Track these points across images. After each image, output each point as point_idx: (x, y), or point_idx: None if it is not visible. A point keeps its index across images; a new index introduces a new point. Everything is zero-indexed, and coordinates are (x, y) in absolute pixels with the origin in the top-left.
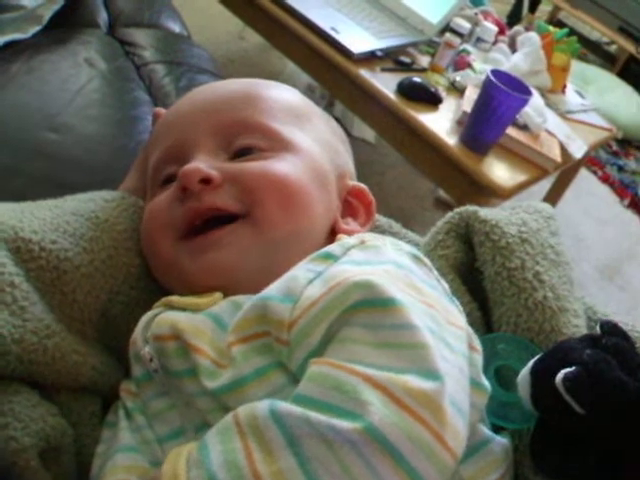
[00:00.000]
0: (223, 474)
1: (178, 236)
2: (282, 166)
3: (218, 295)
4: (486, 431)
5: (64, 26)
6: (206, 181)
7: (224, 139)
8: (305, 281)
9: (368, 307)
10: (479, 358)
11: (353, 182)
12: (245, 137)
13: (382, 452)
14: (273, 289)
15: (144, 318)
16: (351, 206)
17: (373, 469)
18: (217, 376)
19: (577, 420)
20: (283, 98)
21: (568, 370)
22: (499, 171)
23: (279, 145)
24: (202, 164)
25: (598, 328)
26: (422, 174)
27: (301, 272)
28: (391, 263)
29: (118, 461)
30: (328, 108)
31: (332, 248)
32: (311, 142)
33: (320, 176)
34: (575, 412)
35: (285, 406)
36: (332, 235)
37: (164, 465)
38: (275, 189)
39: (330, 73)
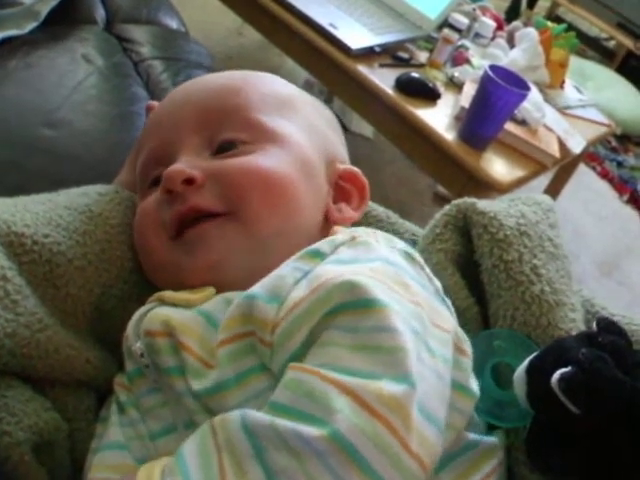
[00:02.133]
0: None
1: (170, 237)
2: (265, 161)
3: (210, 290)
4: (471, 435)
5: (61, 22)
6: (189, 181)
7: (207, 135)
8: (292, 281)
9: (349, 309)
10: (468, 362)
11: (344, 166)
12: (227, 131)
13: (349, 462)
14: (260, 287)
15: (137, 313)
16: (343, 190)
17: None
18: (203, 377)
19: (573, 420)
20: (265, 87)
21: (564, 370)
22: (497, 166)
23: (262, 137)
24: (185, 164)
25: (594, 325)
26: (420, 169)
27: (288, 271)
28: (380, 260)
29: (104, 459)
30: (327, 104)
31: (321, 245)
32: (296, 130)
33: (307, 166)
34: (571, 412)
35: (254, 415)
36: (326, 223)
37: (138, 473)
38: (259, 186)
39: (328, 69)
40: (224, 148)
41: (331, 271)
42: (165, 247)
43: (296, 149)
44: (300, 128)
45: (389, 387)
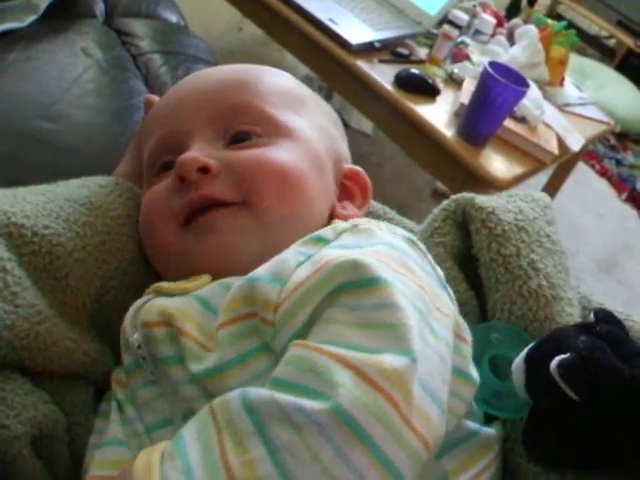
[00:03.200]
0: (199, 468)
1: (179, 224)
2: (279, 154)
3: (206, 278)
4: (471, 424)
5: (61, 16)
6: (204, 170)
7: (220, 126)
8: (295, 264)
9: (352, 288)
10: (468, 349)
11: (348, 165)
12: (241, 123)
13: (351, 435)
14: (262, 270)
15: (134, 306)
16: (347, 189)
17: (343, 455)
18: (202, 359)
19: (572, 408)
20: (278, 83)
21: (563, 357)
22: (496, 163)
23: (275, 131)
24: (199, 153)
25: (592, 316)
26: (419, 166)
27: (292, 255)
28: (383, 244)
29: (104, 455)
30: (326, 100)
31: (324, 232)
32: (307, 127)
33: (317, 162)
34: (570, 399)
35: (255, 391)
36: (331, 220)
37: (137, 458)
38: (272, 178)
39: (328, 65)
40: (238, 139)
41: (334, 253)
42: (174, 235)
43: (308, 144)
44: (310, 124)
45: (390, 360)
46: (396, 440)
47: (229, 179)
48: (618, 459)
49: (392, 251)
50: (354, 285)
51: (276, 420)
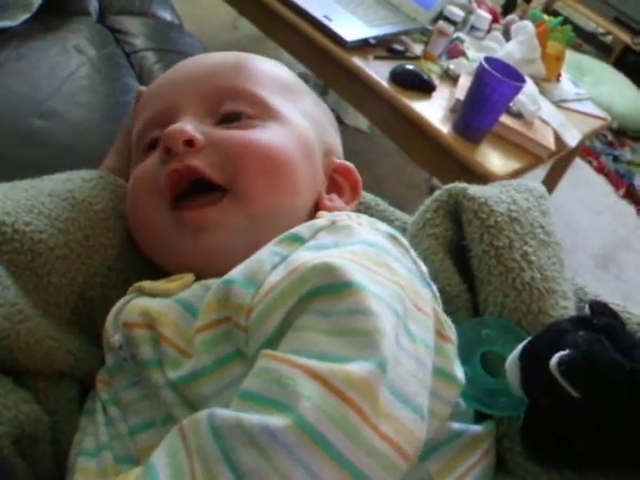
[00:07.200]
0: None
1: (167, 205)
2: (267, 136)
3: (189, 278)
4: (456, 425)
5: (53, 14)
6: (190, 143)
7: (211, 104)
8: (270, 266)
9: (325, 294)
10: (451, 348)
11: (340, 160)
12: (232, 103)
13: (318, 451)
14: (237, 272)
15: (116, 305)
16: (337, 183)
17: (314, 474)
18: (180, 366)
19: (571, 405)
20: (273, 71)
21: (563, 353)
22: (493, 159)
23: (266, 113)
24: (187, 125)
25: (587, 309)
26: (415, 162)
27: (267, 255)
28: (361, 243)
29: (87, 464)
30: (322, 97)
31: (300, 230)
32: (298, 114)
33: (306, 148)
34: (569, 396)
35: (221, 415)
36: (316, 212)
37: None
38: (258, 159)
39: (323, 61)
40: (228, 119)
41: (308, 255)
42: (162, 221)
43: (297, 129)
44: (302, 113)
45: (359, 369)
46: (365, 451)
47: (214, 156)
48: (621, 454)
49: (369, 249)
50: (326, 290)
51: (241, 444)
